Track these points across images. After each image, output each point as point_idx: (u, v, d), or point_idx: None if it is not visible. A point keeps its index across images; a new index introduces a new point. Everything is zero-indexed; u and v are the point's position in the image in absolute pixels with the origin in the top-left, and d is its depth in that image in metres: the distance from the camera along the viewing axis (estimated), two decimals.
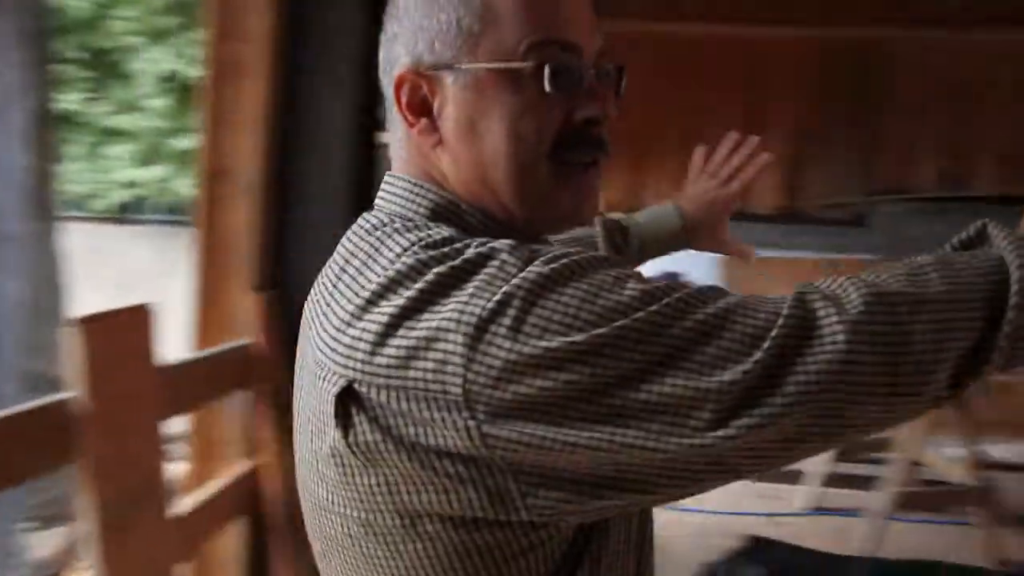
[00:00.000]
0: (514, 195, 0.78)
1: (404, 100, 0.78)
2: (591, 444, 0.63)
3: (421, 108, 0.78)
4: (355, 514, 0.72)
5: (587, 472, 0.65)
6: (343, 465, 0.70)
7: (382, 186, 0.82)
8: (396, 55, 0.78)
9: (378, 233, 0.74)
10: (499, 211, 0.79)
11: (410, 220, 0.77)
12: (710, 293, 0.67)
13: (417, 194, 0.79)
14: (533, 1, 0.76)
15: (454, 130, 0.77)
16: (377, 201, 0.82)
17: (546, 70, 0.74)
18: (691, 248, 1.29)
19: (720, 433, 0.62)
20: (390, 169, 0.83)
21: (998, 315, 0.66)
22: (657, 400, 0.63)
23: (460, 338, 0.64)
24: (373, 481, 0.69)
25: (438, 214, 0.78)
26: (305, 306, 0.80)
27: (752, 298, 0.67)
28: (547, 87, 0.75)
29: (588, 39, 0.78)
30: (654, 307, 0.64)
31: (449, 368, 0.64)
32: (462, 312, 0.65)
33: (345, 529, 0.74)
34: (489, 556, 0.70)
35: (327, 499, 0.74)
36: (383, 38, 0.81)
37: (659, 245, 1.27)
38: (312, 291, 0.79)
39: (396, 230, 0.74)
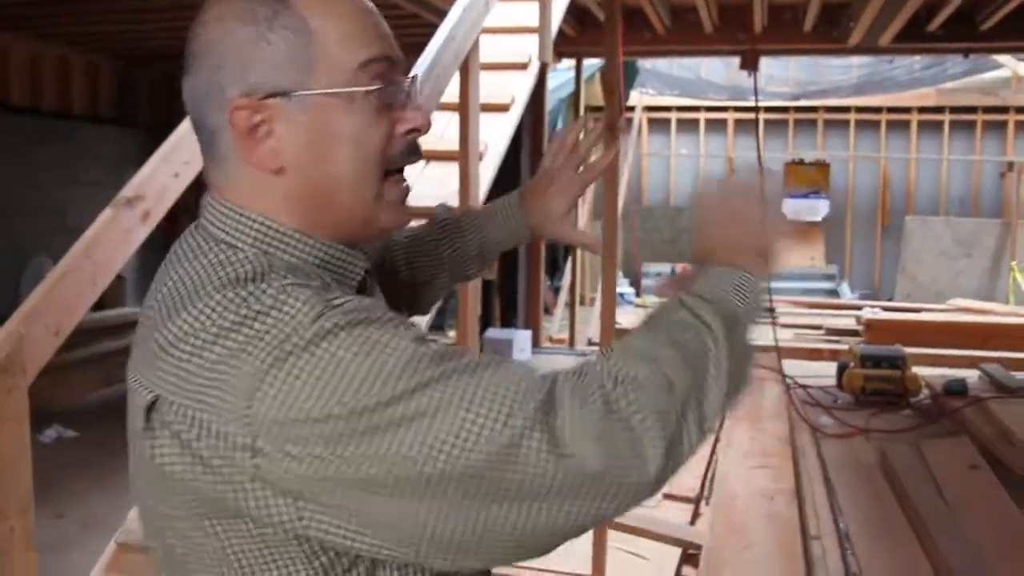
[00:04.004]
0: (352, 211, 0.83)
1: (241, 129, 0.79)
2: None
3: (257, 136, 0.79)
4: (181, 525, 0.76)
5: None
6: (152, 475, 0.75)
7: (206, 210, 0.83)
8: (219, 85, 0.79)
9: (203, 261, 0.78)
10: (329, 232, 0.83)
11: (232, 247, 0.79)
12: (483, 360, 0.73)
13: (240, 221, 0.81)
14: (354, 23, 0.81)
15: (296, 155, 0.80)
16: (202, 223, 0.83)
17: (376, 89, 0.81)
18: (535, 240, 1.29)
19: None
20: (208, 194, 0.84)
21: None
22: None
23: (242, 383, 0.69)
24: (179, 492, 0.73)
25: (260, 241, 0.80)
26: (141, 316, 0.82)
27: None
28: (378, 104, 0.81)
29: (399, 53, 0.85)
30: (426, 375, 0.69)
31: (230, 407, 0.69)
32: (248, 355, 0.69)
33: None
34: None
35: (153, 508, 0.78)
36: (193, 69, 0.81)
37: (503, 243, 1.26)
38: (146, 304, 0.81)
39: (219, 262, 0.77)
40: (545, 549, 0.75)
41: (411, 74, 0.88)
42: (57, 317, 1.85)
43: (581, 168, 1.23)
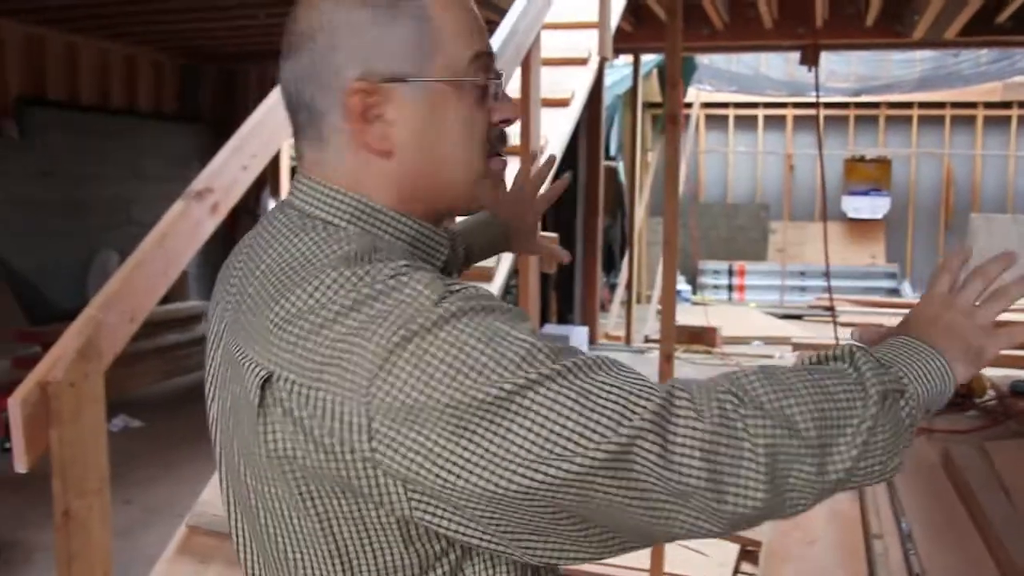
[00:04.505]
0: (460, 191, 0.87)
1: (355, 111, 0.80)
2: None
3: (368, 119, 0.80)
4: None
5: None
6: (257, 453, 0.75)
7: (296, 188, 0.85)
8: (333, 67, 0.80)
9: (304, 239, 0.78)
10: (420, 212, 0.86)
11: (330, 224, 0.80)
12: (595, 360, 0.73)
13: (335, 199, 0.82)
14: (465, 16, 0.84)
15: (408, 138, 0.82)
16: (291, 200, 0.85)
17: (490, 81, 0.85)
18: (510, 252, 1.42)
19: None
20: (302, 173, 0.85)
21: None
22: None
23: (365, 361, 0.69)
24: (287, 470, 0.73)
25: (356, 219, 0.81)
26: (222, 294, 0.85)
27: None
28: (489, 95, 0.86)
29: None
30: (544, 367, 0.69)
31: (349, 386, 0.69)
32: (371, 334, 0.69)
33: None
34: None
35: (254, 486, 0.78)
36: (298, 50, 0.81)
37: (483, 251, 1.35)
38: (229, 278, 0.84)
39: (323, 239, 0.77)
40: (634, 549, 0.76)
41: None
42: (132, 304, 1.91)
43: (542, 190, 1.40)
